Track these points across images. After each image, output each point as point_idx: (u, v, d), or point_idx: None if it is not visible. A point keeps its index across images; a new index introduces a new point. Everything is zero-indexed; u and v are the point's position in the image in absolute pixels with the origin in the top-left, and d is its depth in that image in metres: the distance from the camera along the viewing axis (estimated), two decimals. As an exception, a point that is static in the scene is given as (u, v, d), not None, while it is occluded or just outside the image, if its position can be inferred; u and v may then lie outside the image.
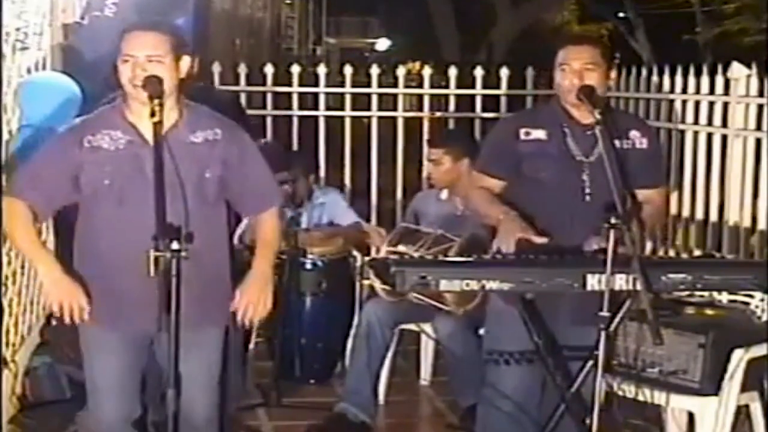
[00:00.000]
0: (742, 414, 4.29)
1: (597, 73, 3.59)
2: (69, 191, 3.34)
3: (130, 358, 3.43)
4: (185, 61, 3.32)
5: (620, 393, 3.81)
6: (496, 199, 3.71)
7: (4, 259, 4.57)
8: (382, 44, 36.31)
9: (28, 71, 5.06)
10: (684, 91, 6.17)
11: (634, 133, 3.71)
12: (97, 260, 3.39)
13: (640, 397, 3.88)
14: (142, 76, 3.20)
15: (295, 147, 7.14)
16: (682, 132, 6.23)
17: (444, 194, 5.36)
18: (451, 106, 7.33)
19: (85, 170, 3.30)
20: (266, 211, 3.57)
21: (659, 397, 3.97)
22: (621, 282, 3.31)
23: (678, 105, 6.25)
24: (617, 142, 3.62)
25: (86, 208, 3.38)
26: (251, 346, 5.99)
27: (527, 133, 3.71)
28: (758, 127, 5.63)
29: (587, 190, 3.65)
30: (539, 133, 3.70)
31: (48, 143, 3.49)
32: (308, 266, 5.69)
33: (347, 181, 7.20)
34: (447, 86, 7.33)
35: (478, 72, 7.25)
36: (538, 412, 3.70)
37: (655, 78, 6.44)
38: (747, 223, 5.70)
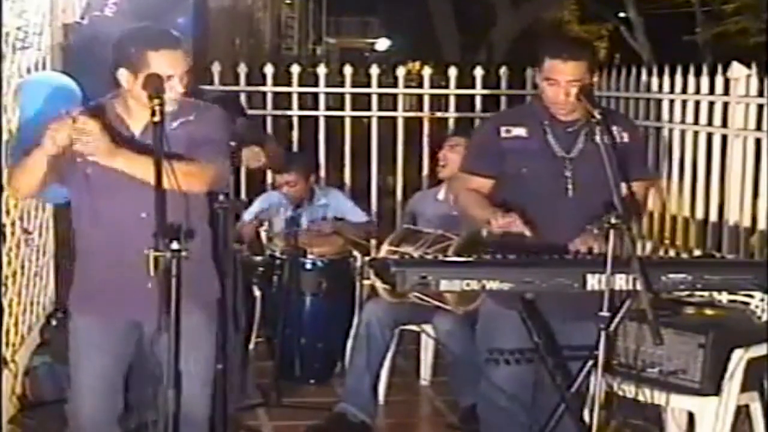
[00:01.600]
0: (742, 414, 4.29)
1: (581, 86, 3.63)
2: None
3: (116, 352, 3.45)
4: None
5: (620, 393, 3.81)
6: (485, 201, 3.74)
7: (4, 259, 4.58)
8: (382, 44, 36.29)
9: (28, 71, 5.07)
10: (684, 91, 6.16)
11: (614, 128, 3.74)
12: (87, 250, 3.43)
13: (640, 397, 3.87)
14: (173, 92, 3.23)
15: (295, 147, 7.15)
16: (683, 132, 6.23)
17: (441, 194, 5.37)
18: (451, 106, 7.32)
19: (72, 157, 3.29)
20: None
21: (659, 397, 3.96)
22: (621, 282, 3.32)
23: (678, 105, 6.24)
24: (598, 138, 3.63)
25: (74, 197, 3.42)
26: (251, 346, 5.99)
27: (508, 131, 3.77)
28: (758, 127, 5.63)
29: (569, 186, 3.71)
30: (520, 131, 3.77)
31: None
32: (308, 266, 5.70)
33: (347, 181, 7.19)
34: (447, 86, 7.34)
35: (478, 72, 7.25)
36: (532, 408, 3.71)
37: (654, 78, 6.43)
38: (747, 223, 5.69)
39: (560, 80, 3.63)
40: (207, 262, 3.52)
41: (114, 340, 3.43)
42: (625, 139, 3.75)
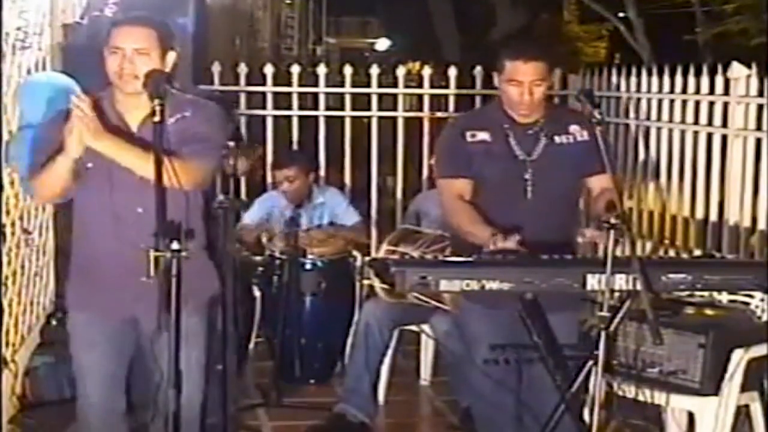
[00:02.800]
0: (742, 414, 4.29)
1: (544, 86, 3.76)
2: None
3: (114, 348, 3.45)
4: (171, 56, 3.37)
5: (620, 393, 3.81)
6: (477, 216, 3.75)
7: (4, 259, 4.58)
8: (382, 44, 36.24)
9: (28, 71, 5.07)
10: (684, 91, 6.16)
11: (573, 128, 3.84)
12: (84, 245, 3.45)
13: (640, 397, 3.87)
14: (129, 68, 3.27)
15: (295, 147, 7.15)
16: (683, 132, 6.23)
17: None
18: (451, 106, 7.32)
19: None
20: None
21: (659, 397, 3.96)
22: (621, 282, 3.32)
23: (678, 105, 6.24)
24: (557, 138, 3.83)
25: (76, 194, 3.42)
26: (251, 346, 5.99)
27: (473, 135, 3.84)
28: (758, 127, 5.62)
29: (528, 188, 3.79)
30: (484, 135, 3.84)
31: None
32: (308, 266, 5.70)
33: (347, 181, 7.19)
34: (447, 86, 7.34)
35: (478, 72, 7.25)
36: (517, 403, 3.71)
37: (654, 78, 6.43)
38: (747, 223, 5.69)
39: (524, 81, 3.71)
40: (200, 260, 3.50)
41: (111, 336, 3.44)
42: (585, 137, 3.83)
